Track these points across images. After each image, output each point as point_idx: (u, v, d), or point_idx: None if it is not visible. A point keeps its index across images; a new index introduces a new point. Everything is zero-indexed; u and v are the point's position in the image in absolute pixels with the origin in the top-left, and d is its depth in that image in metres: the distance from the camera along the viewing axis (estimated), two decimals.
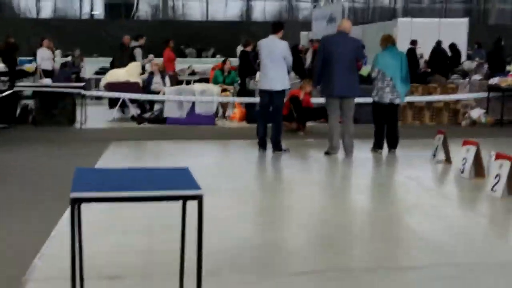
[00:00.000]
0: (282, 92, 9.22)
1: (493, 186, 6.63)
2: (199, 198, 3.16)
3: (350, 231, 5.43)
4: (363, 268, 4.44)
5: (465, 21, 22.91)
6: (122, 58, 14.80)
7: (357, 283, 4.18)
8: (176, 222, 3.91)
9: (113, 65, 15.53)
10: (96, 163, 8.25)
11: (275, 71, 9.07)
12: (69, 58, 21.33)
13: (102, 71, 18.56)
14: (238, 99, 13.41)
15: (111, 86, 13.26)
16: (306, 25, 30.83)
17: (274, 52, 9.09)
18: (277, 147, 9.27)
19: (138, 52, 15.04)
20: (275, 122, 9.27)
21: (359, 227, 5.63)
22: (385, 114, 9.34)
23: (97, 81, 17.81)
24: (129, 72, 13.62)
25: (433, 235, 5.23)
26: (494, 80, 13.19)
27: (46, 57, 16.56)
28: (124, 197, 3.08)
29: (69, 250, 3.06)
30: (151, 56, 15.66)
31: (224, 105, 13.65)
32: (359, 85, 9.19)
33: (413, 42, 19.40)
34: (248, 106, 13.14)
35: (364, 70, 13.29)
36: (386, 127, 9.40)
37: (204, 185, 3.36)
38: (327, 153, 9.13)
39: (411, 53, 17.99)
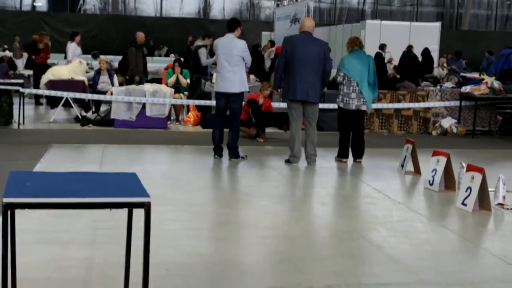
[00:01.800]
0: (240, 95, 9.21)
1: (464, 200, 6.72)
2: (146, 206, 3.12)
3: (311, 247, 5.43)
4: (323, 286, 4.43)
5: (437, 25, 23.33)
6: (136, 57, 14.53)
7: None
8: (123, 232, 3.85)
9: (124, 64, 15.23)
10: (34, 167, 8.09)
11: (232, 72, 9.06)
12: (6, 52, 21.01)
13: None
14: (193, 102, 13.36)
15: (53, 84, 13.07)
16: (268, 25, 30.99)
17: (231, 52, 9.07)
18: (233, 154, 9.24)
19: (202, 52, 14.85)
20: (232, 127, 9.24)
21: (321, 242, 5.63)
22: (351, 122, 9.41)
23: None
24: (73, 70, 13.46)
25: (400, 251, 5.26)
26: (466, 88, 13.41)
27: (78, 53, 16.43)
28: (63, 204, 3.01)
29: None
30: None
31: (177, 108, 13.58)
32: (323, 89, 9.25)
33: (382, 47, 19.67)
34: (204, 109, 13.10)
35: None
36: (351, 135, 9.47)
37: (153, 194, 3.32)
38: (287, 161, 9.15)
39: (378, 58, 18.24)
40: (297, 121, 9.12)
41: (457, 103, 13.41)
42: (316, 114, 9.18)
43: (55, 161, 8.82)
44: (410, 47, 19.67)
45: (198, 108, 13.41)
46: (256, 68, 16.28)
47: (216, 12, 37.19)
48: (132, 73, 14.45)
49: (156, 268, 4.33)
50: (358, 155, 9.48)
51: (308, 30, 9.13)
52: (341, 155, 9.50)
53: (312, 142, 9.12)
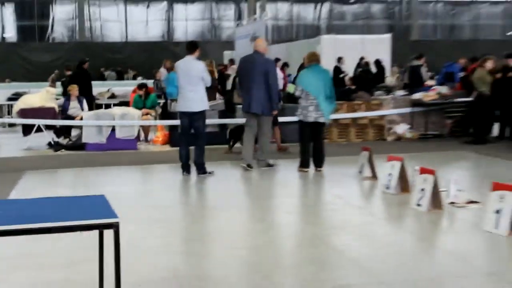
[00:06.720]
0: (202, 113, 9.24)
1: (418, 201, 6.81)
2: (114, 227, 3.12)
3: (277, 255, 5.44)
4: None
5: (387, 37, 23.59)
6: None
7: None
8: (96, 253, 3.83)
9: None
10: (9, 195, 7.99)
11: (194, 92, 9.11)
12: None
13: (15, 97, 18.06)
14: (160, 122, 13.32)
15: (24, 113, 12.94)
16: (230, 44, 31.04)
17: (190, 73, 9.13)
18: (201, 170, 9.25)
19: (424, 70, 14.68)
20: (197, 144, 9.26)
21: (286, 250, 5.65)
22: (311, 133, 9.49)
23: (10, 107, 17.41)
24: (44, 98, 13.34)
25: (361, 254, 5.31)
26: (416, 95, 13.61)
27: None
28: (32, 229, 3.00)
29: None
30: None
31: (145, 129, 13.53)
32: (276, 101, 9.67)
33: (339, 60, 19.83)
34: (172, 129, 13.07)
35: (290, 88, 13.47)
36: (312, 146, 9.54)
37: (124, 213, 3.32)
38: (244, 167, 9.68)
39: (337, 71, 18.40)
40: (247, 130, 9.75)
41: (408, 109, 13.58)
42: (264, 124, 9.61)
43: (30, 187, 8.72)
44: (362, 59, 19.89)
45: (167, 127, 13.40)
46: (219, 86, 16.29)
47: (179, 34, 37.10)
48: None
49: (131, 285, 4.32)
50: (318, 164, 9.55)
51: (257, 49, 9.67)
52: (303, 165, 9.55)
53: (261, 149, 9.79)
